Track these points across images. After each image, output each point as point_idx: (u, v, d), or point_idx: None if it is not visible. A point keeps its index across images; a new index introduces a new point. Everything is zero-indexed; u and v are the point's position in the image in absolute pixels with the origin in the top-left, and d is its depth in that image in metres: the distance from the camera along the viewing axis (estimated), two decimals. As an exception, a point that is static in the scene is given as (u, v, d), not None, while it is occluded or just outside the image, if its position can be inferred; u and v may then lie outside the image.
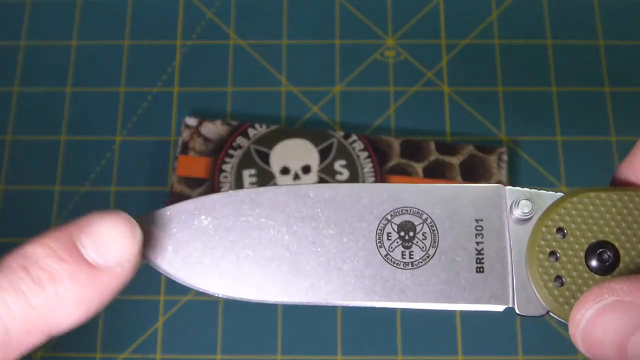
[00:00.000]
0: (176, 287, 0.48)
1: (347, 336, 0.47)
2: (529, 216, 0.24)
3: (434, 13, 0.55)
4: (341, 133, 0.49)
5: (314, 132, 0.49)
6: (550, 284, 0.23)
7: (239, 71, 0.54)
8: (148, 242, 0.25)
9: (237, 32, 0.55)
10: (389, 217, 0.25)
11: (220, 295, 0.25)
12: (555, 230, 0.23)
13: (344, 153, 0.49)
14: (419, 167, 0.48)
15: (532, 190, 0.25)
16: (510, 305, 0.24)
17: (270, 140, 0.49)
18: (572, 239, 0.23)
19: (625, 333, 0.20)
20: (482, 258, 0.24)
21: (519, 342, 0.47)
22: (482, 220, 0.24)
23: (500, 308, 0.24)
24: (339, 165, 0.48)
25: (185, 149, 0.49)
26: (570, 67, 0.54)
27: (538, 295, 0.23)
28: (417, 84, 0.53)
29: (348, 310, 0.48)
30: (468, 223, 0.24)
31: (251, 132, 0.49)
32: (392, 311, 0.48)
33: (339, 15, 0.55)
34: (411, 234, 0.25)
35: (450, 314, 0.48)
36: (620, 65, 0.54)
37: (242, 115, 0.52)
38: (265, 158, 0.49)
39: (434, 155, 0.49)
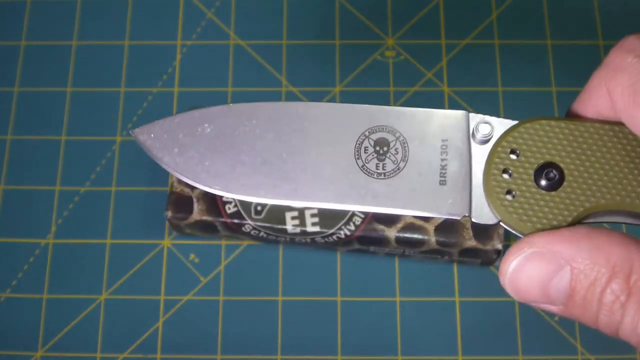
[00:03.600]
0: (176, 287, 0.49)
1: (347, 336, 0.47)
2: (487, 138, 0.27)
3: (434, 13, 0.55)
4: (341, 133, 0.49)
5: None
6: (502, 196, 0.26)
7: (239, 71, 0.54)
8: (159, 144, 0.28)
9: (237, 32, 0.55)
10: (367, 133, 0.28)
11: (216, 192, 0.28)
12: (509, 151, 0.27)
13: (344, 153, 0.49)
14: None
15: (493, 117, 0.28)
16: (467, 214, 0.27)
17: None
18: (523, 159, 0.27)
19: (546, 278, 0.23)
20: (445, 173, 0.27)
21: (519, 342, 0.47)
22: (447, 140, 0.28)
23: (458, 216, 0.27)
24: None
25: (185, 149, 0.49)
26: (570, 67, 0.54)
27: (491, 206, 0.26)
28: (417, 84, 0.53)
29: (348, 311, 0.48)
30: (435, 142, 0.27)
31: (251, 132, 0.49)
32: (392, 312, 0.48)
33: (339, 15, 0.55)
34: (385, 149, 0.28)
35: (451, 314, 0.48)
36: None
37: (242, 115, 0.52)
38: (265, 158, 0.49)
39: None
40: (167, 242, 0.50)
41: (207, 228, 0.47)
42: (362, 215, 0.46)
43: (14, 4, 0.56)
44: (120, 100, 0.53)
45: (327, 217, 0.46)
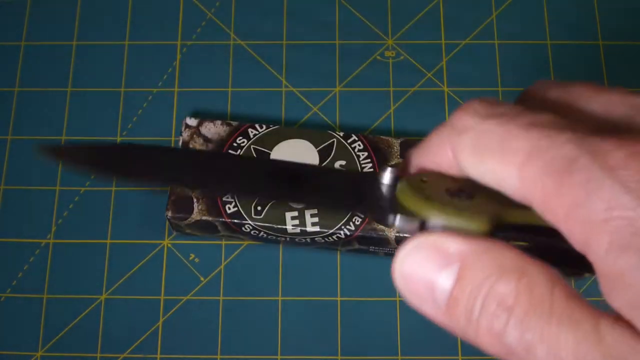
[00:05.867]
0: (176, 287, 0.49)
1: (347, 336, 0.47)
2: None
3: (434, 13, 0.55)
4: (341, 133, 0.49)
5: (314, 132, 0.49)
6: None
7: (239, 71, 0.54)
8: None
9: (237, 32, 0.55)
10: None
11: None
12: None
13: (344, 153, 0.48)
14: (419, 167, 0.48)
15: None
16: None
17: (271, 141, 0.49)
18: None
19: (434, 270, 0.22)
20: None
21: (519, 342, 0.47)
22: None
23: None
24: (338, 165, 0.48)
25: (185, 149, 0.49)
26: (570, 67, 0.54)
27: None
28: (417, 84, 0.53)
29: (348, 311, 0.48)
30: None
31: (251, 132, 0.49)
32: (392, 312, 0.48)
33: (339, 15, 0.55)
34: None
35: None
36: (620, 66, 0.54)
37: (242, 115, 0.52)
38: (265, 158, 0.49)
39: (434, 155, 0.49)
40: (167, 242, 0.50)
41: (207, 228, 0.47)
42: (362, 216, 0.46)
43: (14, 4, 0.56)
44: (120, 100, 0.53)
45: (327, 217, 0.46)
